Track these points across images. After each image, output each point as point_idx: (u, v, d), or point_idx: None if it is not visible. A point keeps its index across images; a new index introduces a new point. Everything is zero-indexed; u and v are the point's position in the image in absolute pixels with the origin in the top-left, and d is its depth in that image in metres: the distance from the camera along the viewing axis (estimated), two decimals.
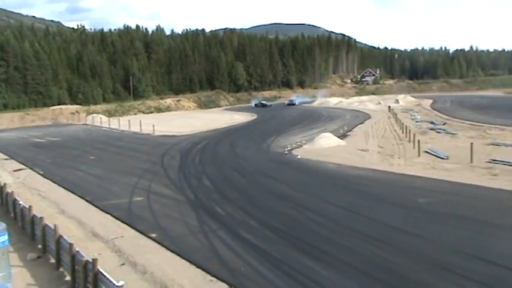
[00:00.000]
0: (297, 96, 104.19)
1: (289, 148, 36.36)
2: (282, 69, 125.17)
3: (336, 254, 13.84)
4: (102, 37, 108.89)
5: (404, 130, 42.71)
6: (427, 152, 32.08)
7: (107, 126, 63.73)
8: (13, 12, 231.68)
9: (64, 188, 25.03)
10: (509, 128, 45.53)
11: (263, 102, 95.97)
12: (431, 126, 50.06)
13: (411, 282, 11.90)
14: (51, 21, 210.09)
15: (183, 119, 70.48)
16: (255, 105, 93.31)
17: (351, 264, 13.07)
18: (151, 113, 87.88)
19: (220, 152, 36.42)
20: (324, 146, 35.89)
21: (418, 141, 32.80)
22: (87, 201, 21.87)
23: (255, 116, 71.41)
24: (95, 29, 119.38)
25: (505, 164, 26.71)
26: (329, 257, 13.66)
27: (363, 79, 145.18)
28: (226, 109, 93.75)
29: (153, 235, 16.33)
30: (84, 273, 11.29)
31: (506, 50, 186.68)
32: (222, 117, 71.79)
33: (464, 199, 20.02)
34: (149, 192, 23.24)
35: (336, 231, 16.06)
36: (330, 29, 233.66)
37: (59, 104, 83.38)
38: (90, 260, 11.00)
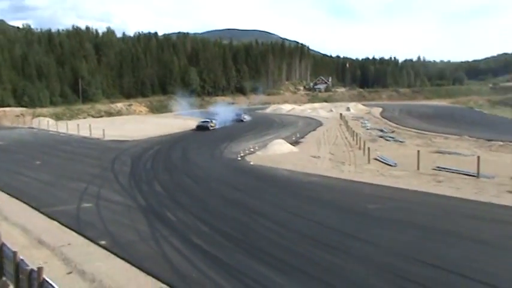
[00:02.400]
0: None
1: (242, 154, 36.42)
2: (235, 75, 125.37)
3: (288, 260, 13.91)
4: (49, 37, 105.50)
5: (355, 137, 43.68)
6: (376, 159, 32.94)
7: (55, 130, 61.67)
8: None
9: (7, 193, 23.96)
10: (452, 136, 47.50)
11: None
12: (381, 134, 51.51)
13: (360, 287, 12.12)
14: None
15: (135, 124, 69.30)
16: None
17: (302, 270, 13.16)
18: (102, 117, 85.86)
19: (173, 157, 36.02)
20: (276, 153, 36.18)
21: (368, 148, 33.64)
22: (32, 207, 21.03)
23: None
24: (41, 29, 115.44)
25: (448, 171, 27.80)
26: (281, 263, 13.70)
27: (316, 86, 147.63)
28: (178, 114, 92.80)
29: (103, 242, 15.88)
30: (29, 282, 10.81)
31: (451, 61, 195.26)
32: (174, 122, 71.05)
33: (411, 205, 20.64)
34: (98, 198, 22.61)
35: (288, 237, 16.15)
36: (283, 36, 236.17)
37: (2, 106, 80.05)
38: (35, 269, 10.56)
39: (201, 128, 59.23)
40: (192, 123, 69.02)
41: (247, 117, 74.60)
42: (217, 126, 61.82)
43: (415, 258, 13.84)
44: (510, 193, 22.23)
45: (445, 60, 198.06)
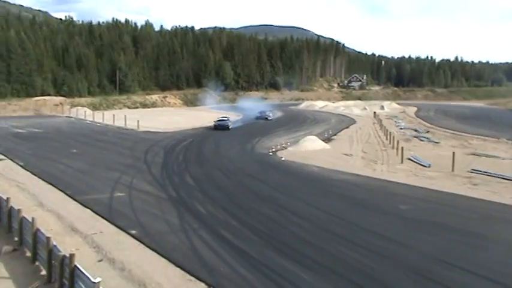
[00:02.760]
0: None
1: (273, 149, 36.36)
2: (269, 71, 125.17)
3: (317, 258, 13.83)
4: (90, 29, 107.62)
5: (389, 136, 43.01)
6: (410, 159, 32.35)
7: (91, 119, 63.05)
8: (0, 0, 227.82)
9: (44, 180, 24.64)
10: (489, 138, 46.17)
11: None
12: (415, 133, 50.52)
13: None
14: (39, 10, 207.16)
15: (169, 116, 70.08)
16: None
17: (331, 269, 13.07)
18: (137, 108, 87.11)
19: (205, 150, 36.26)
20: (308, 149, 35.96)
21: (402, 148, 33.06)
22: (67, 194, 21.55)
23: (240, 116, 71.32)
24: (82, 21, 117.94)
25: (485, 174, 27.06)
26: (309, 261, 13.64)
27: (350, 84, 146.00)
28: (212, 108, 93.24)
29: (133, 232, 16.15)
30: (61, 268, 11.10)
31: (490, 62, 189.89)
32: (207, 115, 71.48)
33: (445, 207, 20.19)
34: (131, 188, 23.00)
35: (318, 235, 16.05)
36: (319, 33, 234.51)
37: (42, 95, 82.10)
38: (67, 255, 10.82)
39: (220, 127, 51.28)
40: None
41: (272, 115, 67.14)
42: (236, 125, 56.04)
43: (448, 261, 13.53)
44: None
45: (484, 61, 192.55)
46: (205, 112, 78.93)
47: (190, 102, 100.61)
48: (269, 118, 65.30)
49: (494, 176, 26.52)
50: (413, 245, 14.96)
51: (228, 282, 12.21)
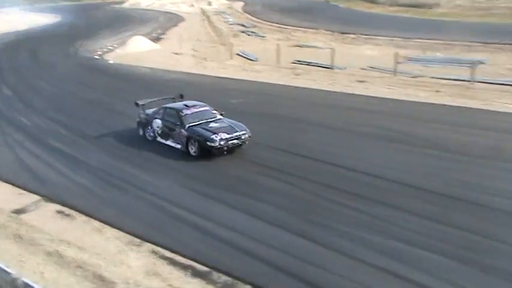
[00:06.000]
0: None
1: (99, 53, 34.41)
2: None
3: (149, 157, 13.94)
4: None
5: (218, 33, 43.33)
6: (238, 54, 33.23)
7: None
8: None
9: None
10: (310, 30, 49.23)
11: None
12: (243, 29, 51.51)
13: (232, 178, 12.64)
14: None
15: None
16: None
17: (159, 162, 13.47)
18: None
19: (20, 58, 32.89)
20: (137, 50, 34.76)
21: (231, 44, 33.69)
22: None
23: (59, 18, 65.16)
24: None
25: (306, 64, 29.16)
26: (146, 162, 13.69)
27: None
28: (24, 9, 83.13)
29: None
30: None
31: None
32: (20, 19, 63.83)
33: (272, 98, 21.50)
34: None
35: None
36: None
37: None
38: None
39: None
40: (39, 18, 62.73)
41: None
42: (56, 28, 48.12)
43: (274, 146, 14.55)
44: (359, 82, 24.10)
45: None
46: (17, 15, 70.28)
47: None
48: None
49: (314, 65, 28.71)
50: None
51: (64, 190, 11.83)
